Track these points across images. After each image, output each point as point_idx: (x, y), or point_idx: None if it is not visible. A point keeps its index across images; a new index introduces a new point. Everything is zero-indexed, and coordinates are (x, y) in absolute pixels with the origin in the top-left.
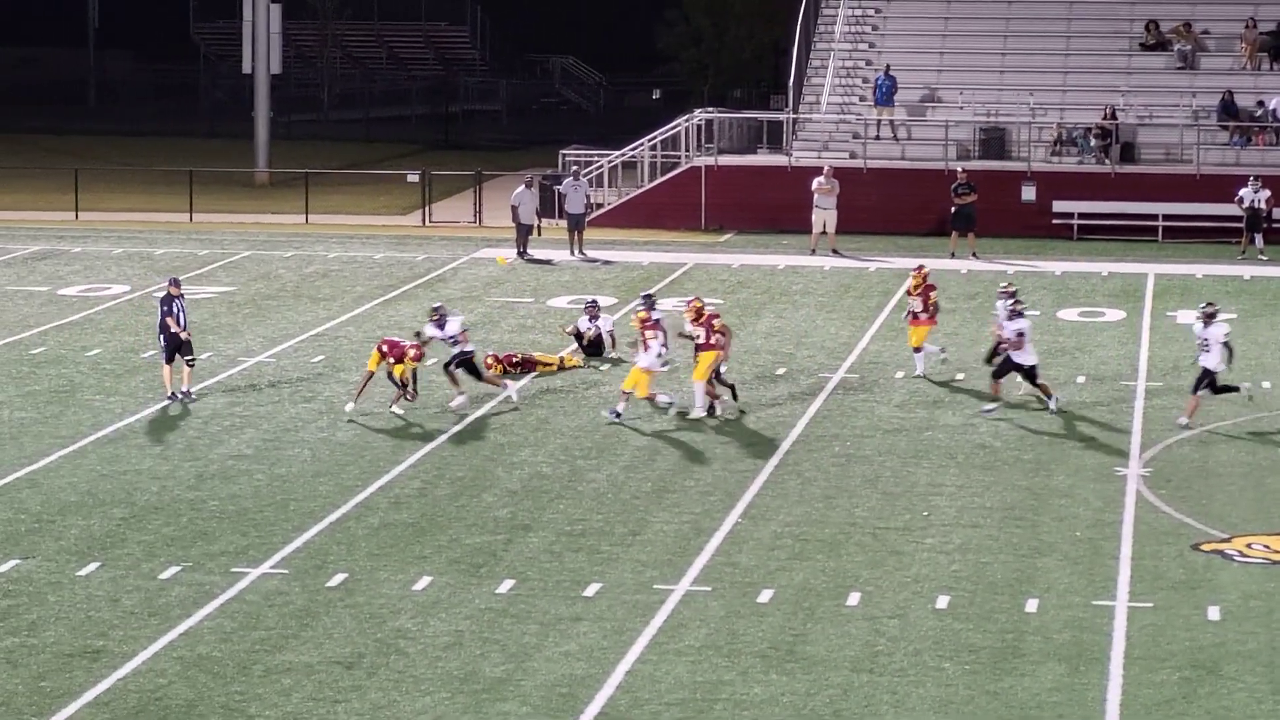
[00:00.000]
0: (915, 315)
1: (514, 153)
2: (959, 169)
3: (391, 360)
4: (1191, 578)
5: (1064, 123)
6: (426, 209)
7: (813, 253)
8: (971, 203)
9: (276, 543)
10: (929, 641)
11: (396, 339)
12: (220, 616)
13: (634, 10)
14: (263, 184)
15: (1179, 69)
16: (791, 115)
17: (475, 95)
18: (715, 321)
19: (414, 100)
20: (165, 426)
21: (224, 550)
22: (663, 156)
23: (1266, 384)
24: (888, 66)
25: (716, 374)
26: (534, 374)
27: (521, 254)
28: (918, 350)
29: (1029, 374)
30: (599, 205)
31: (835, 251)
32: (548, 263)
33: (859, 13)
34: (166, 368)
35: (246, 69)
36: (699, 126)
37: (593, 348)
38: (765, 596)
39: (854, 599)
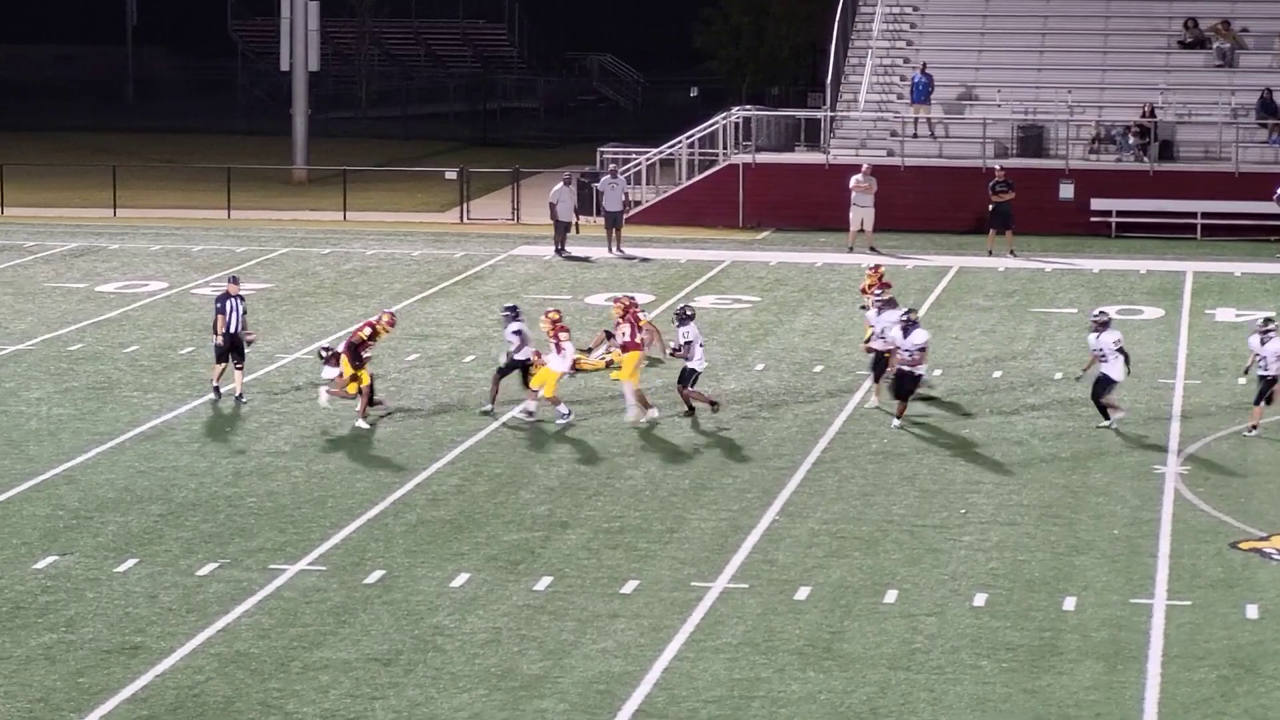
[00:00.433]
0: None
1: (552, 150)
2: (997, 167)
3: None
4: (1230, 576)
5: (1102, 120)
6: (464, 206)
7: (850, 250)
8: (1009, 201)
9: (314, 539)
10: (966, 639)
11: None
12: (258, 613)
13: (672, 8)
14: (300, 181)
15: (1218, 67)
16: (829, 113)
17: (513, 93)
18: (640, 319)
19: (452, 98)
20: (203, 423)
21: (262, 547)
22: (700, 154)
23: None
24: (924, 64)
25: (689, 383)
26: (573, 372)
27: (559, 251)
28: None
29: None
30: (637, 203)
31: (873, 249)
32: (585, 260)
33: (896, 10)
34: (216, 366)
35: (284, 66)
36: (737, 124)
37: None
38: (803, 594)
39: (891, 596)
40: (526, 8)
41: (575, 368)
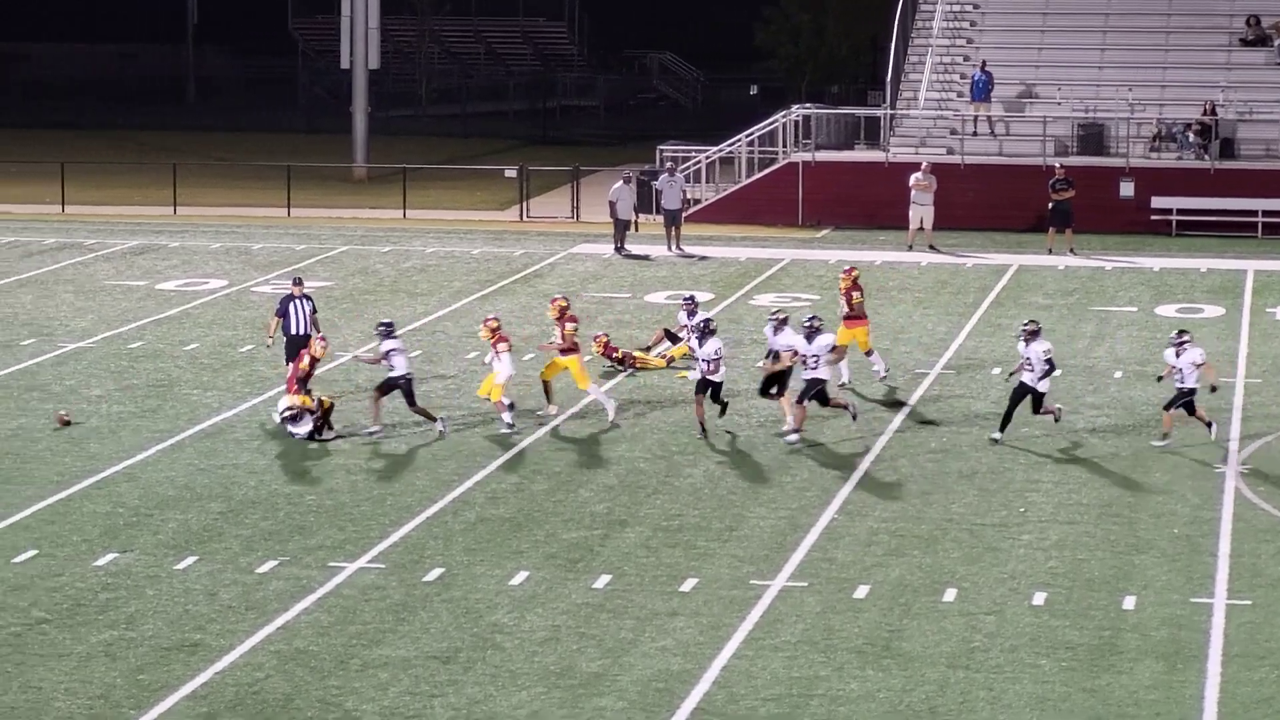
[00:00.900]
0: (847, 317)
1: (611, 148)
2: (1057, 165)
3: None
4: None
5: (1163, 118)
6: (524, 204)
7: (910, 249)
8: (1069, 199)
9: (373, 537)
10: (1025, 638)
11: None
12: (317, 611)
13: (733, 6)
14: (360, 179)
15: (1279, 64)
16: (889, 111)
17: (573, 91)
18: (569, 325)
19: (512, 96)
20: (263, 421)
21: (321, 545)
22: (760, 152)
23: None
24: (984, 62)
25: (714, 393)
26: (632, 370)
27: (619, 250)
28: (869, 354)
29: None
30: (696, 201)
31: (932, 247)
32: (645, 258)
33: (957, 9)
34: (289, 366)
35: (345, 64)
36: (796, 122)
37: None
38: (861, 592)
39: (950, 595)
40: (587, 6)
41: (635, 365)
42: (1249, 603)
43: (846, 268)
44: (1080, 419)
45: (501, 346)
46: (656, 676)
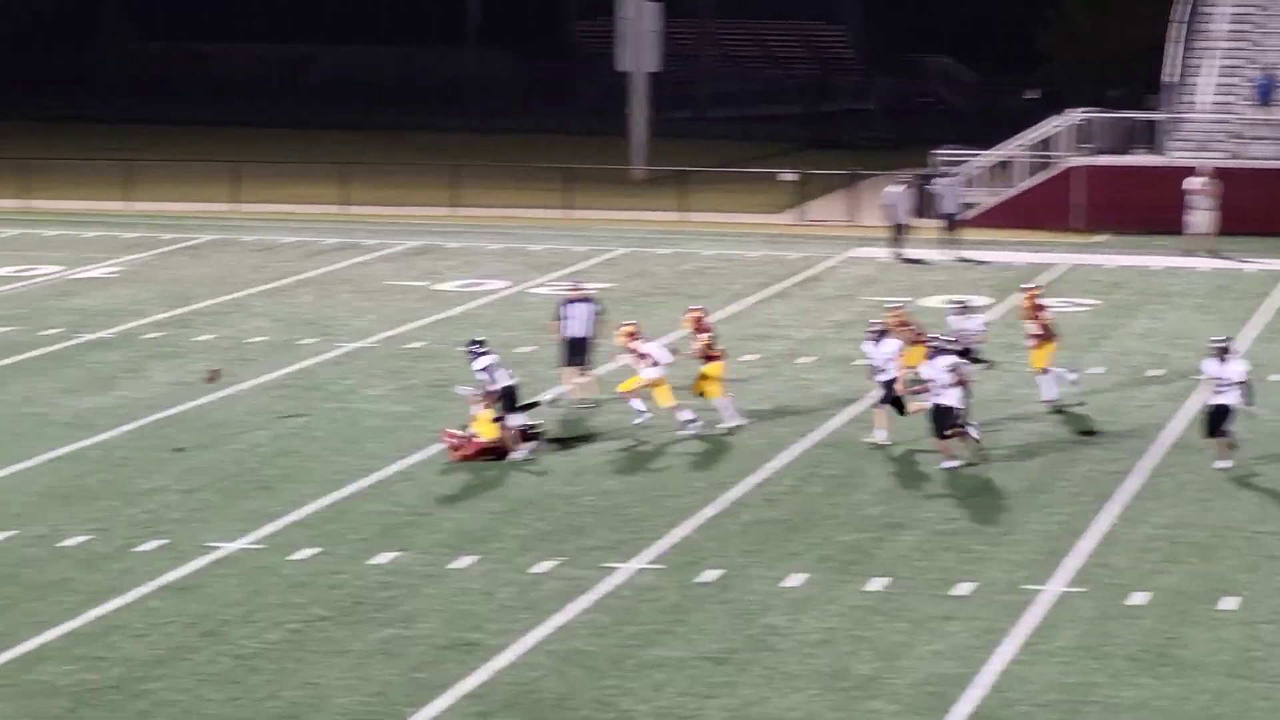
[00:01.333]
0: (1034, 337)
1: (887, 152)
2: None
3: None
4: None
5: None
6: (803, 207)
7: (1190, 254)
8: None
9: (649, 538)
10: None
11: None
12: (594, 611)
13: (1012, 9)
14: (639, 181)
15: None
16: (1168, 114)
17: (850, 94)
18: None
19: (790, 99)
20: (549, 422)
21: (597, 545)
22: (1037, 157)
23: None
24: (1267, 66)
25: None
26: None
27: (897, 254)
28: (1043, 373)
29: None
30: (972, 205)
31: (1213, 252)
32: (922, 262)
33: (1241, 11)
34: (564, 370)
35: (621, 67)
36: (1074, 126)
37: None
38: (1138, 599)
39: (1229, 603)
40: (869, 9)
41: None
42: None
43: (1027, 287)
44: None
45: (638, 345)
46: (929, 680)
